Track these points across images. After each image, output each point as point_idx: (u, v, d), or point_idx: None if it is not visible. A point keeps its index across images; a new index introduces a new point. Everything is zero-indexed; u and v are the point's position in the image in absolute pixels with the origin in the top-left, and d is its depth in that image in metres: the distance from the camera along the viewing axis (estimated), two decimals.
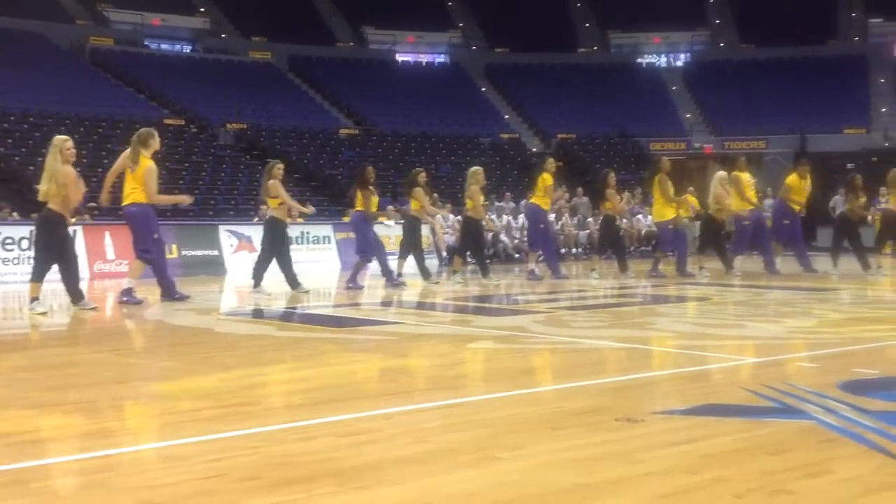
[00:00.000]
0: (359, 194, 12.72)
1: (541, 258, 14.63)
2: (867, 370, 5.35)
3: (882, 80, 37.63)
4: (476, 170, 13.57)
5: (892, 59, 38.58)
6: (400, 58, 41.50)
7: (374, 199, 12.84)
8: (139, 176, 9.98)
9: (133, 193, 10.05)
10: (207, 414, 4.32)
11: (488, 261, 16.97)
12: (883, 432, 3.77)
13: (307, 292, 11.54)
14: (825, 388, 4.68)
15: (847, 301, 10.46)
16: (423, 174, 13.53)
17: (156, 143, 10.20)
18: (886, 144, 32.18)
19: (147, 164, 10.00)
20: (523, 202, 21.21)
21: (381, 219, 14.57)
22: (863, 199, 14.59)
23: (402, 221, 14.14)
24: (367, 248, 12.79)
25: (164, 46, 37.96)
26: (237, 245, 17.16)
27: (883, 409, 4.29)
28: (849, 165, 30.62)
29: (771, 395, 4.55)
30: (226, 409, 4.43)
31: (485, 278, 13.26)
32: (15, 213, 18.55)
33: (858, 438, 3.71)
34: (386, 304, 10.90)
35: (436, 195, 22.15)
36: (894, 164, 27.10)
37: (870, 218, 18.41)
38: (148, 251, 10.15)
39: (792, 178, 14.82)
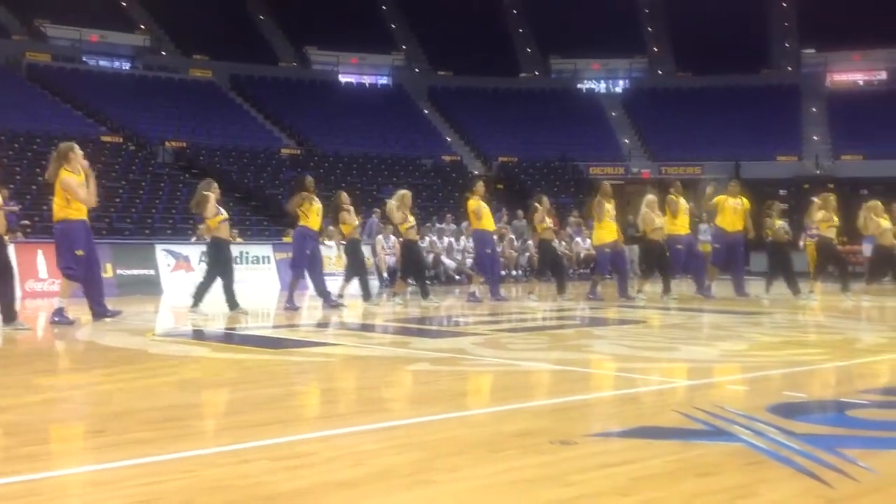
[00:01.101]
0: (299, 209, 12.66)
1: (482, 280, 14.71)
2: (795, 393, 5.48)
3: (814, 109, 38.64)
4: (403, 193, 13.59)
5: (823, 89, 39.67)
6: (343, 79, 41.52)
7: (315, 209, 12.66)
8: (59, 192, 9.86)
9: (57, 210, 9.96)
10: (139, 437, 4.25)
11: (429, 282, 17.04)
12: (809, 455, 3.86)
13: (246, 314, 11.42)
14: (754, 411, 4.77)
15: (778, 325, 10.69)
16: (343, 195, 13.47)
17: (76, 156, 9.96)
18: (818, 172, 33.05)
19: (62, 177, 9.84)
20: (464, 224, 21.38)
21: (321, 238, 14.50)
22: (779, 223, 14.88)
23: (343, 244, 14.10)
24: (299, 263, 12.76)
25: (103, 63, 37.45)
26: (174, 265, 16.94)
27: (810, 432, 4.39)
28: (781, 192, 31.38)
29: (701, 418, 4.63)
30: (158, 432, 4.38)
31: (424, 300, 13.31)
32: None
33: (785, 461, 3.79)
34: (325, 325, 10.85)
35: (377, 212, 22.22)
36: (825, 190, 27.84)
37: (801, 244, 18.89)
38: (70, 268, 9.96)
39: (717, 199, 15.10)
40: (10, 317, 9.23)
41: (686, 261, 14.90)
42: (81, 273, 10.00)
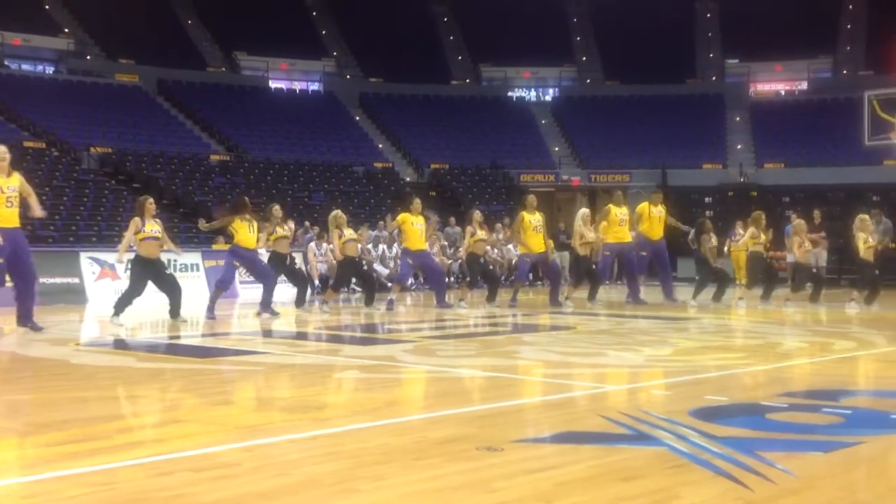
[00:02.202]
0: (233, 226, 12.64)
1: (413, 286, 14.83)
2: (717, 397, 5.58)
3: (738, 118, 39.48)
4: (334, 214, 13.67)
5: (747, 98, 40.54)
6: (273, 84, 41.13)
7: (244, 226, 12.60)
8: None
9: None
10: (59, 450, 4.15)
11: (358, 290, 17.08)
12: (729, 458, 3.94)
13: (184, 322, 11.28)
14: (677, 415, 4.85)
15: (702, 330, 10.89)
16: (276, 207, 13.54)
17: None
18: (742, 180, 33.75)
19: None
20: (396, 231, 21.34)
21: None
22: (714, 243, 15.27)
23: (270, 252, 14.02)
24: (223, 278, 12.76)
25: (26, 67, 36.52)
26: (99, 273, 16.60)
27: (730, 435, 4.47)
28: (707, 199, 32.02)
29: (625, 422, 4.69)
30: (78, 444, 4.28)
31: (368, 307, 13.57)
32: None
33: (706, 464, 3.86)
34: (255, 333, 10.74)
35: (307, 223, 22.11)
36: (748, 198, 28.40)
37: (725, 249, 19.34)
38: None
39: (641, 207, 15.44)
40: None
41: (620, 267, 15.28)
42: (1, 279, 9.86)
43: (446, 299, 14.25)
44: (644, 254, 15.23)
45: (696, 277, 16.05)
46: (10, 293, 10.27)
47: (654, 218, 15.14)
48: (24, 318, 10.02)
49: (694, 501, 3.36)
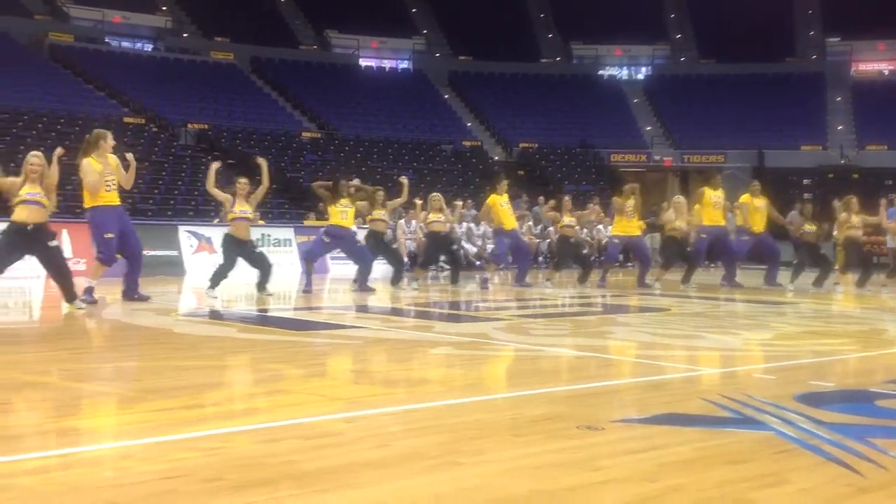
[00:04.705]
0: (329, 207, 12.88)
1: (501, 267, 15.03)
2: (823, 382, 5.45)
3: (839, 99, 38.29)
4: (434, 195, 13.97)
5: (848, 78, 39.27)
6: (363, 63, 41.42)
7: (337, 210, 12.77)
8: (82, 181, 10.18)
9: (85, 199, 10.29)
10: (169, 415, 4.28)
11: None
12: (838, 444, 3.84)
13: (271, 295, 11.51)
14: (782, 400, 4.75)
15: (802, 315, 10.63)
16: (380, 193, 13.88)
17: (107, 144, 10.19)
18: (842, 162, 32.78)
19: (80, 164, 10.09)
20: None
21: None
22: (814, 227, 14.88)
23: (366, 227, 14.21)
24: (313, 251, 13.17)
25: (125, 44, 37.53)
26: (197, 246, 17.04)
27: (838, 421, 4.36)
28: (805, 181, 31.18)
29: (729, 406, 4.61)
30: (187, 410, 4.40)
31: (453, 285, 13.73)
32: None
33: (815, 450, 3.77)
34: (347, 308, 10.88)
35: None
36: (850, 180, 27.58)
37: (834, 234, 18.81)
38: (100, 252, 10.32)
39: (743, 198, 15.14)
40: (73, 296, 9.35)
41: (719, 251, 15.16)
42: (112, 256, 10.21)
43: (527, 279, 14.42)
44: (745, 238, 14.96)
45: (794, 262, 15.69)
46: (117, 267, 10.61)
47: (755, 209, 14.86)
48: (131, 292, 10.38)
49: (804, 486, 3.28)
